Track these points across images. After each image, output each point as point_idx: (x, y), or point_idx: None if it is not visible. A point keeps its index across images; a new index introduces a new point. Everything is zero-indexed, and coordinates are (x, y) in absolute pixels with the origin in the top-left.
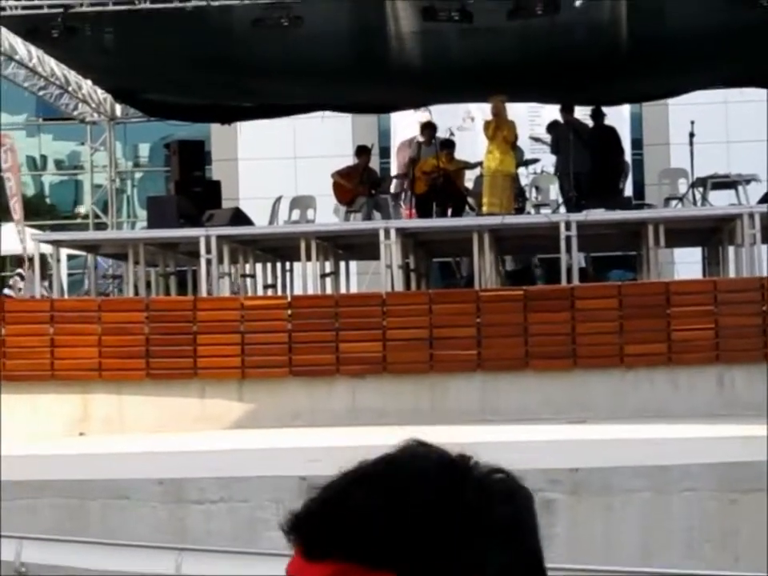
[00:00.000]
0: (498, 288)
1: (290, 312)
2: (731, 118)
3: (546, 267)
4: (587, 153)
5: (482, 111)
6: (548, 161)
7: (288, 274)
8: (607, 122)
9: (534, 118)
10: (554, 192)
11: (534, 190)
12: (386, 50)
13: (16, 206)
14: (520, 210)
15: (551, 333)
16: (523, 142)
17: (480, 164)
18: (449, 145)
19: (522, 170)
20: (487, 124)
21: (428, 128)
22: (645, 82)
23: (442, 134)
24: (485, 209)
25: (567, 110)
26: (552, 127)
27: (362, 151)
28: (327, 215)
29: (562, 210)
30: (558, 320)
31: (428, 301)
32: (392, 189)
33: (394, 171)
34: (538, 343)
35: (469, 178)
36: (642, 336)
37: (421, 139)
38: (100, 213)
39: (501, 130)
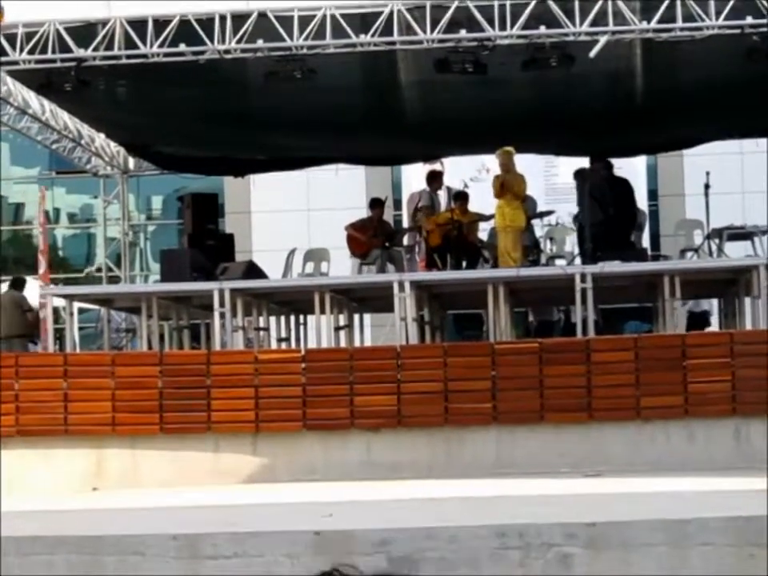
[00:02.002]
0: (513, 341)
1: (303, 365)
2: (747, 169)
3: (565, 319)
4: (598, 204)
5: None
6: (563, 211)
7: (302, 327)
8: (622, 173)
9: (549, 168)
10: (570, 243)
11: (548, 241)
12: (397, 101)
13: (42, 260)
14: (534, 262)
15: (567, 385)
16: (537, 190)
17: (494, 216)
18: (462, 197)
19: (535, 221)
20: (495, 180)
21: (434, 177)
22: (659, 133)
23: (456, 185)
24: (500, 262)
25: (598, 159)
26: (577, 175)
27: (376, 204)
28: (341, 268)
29: (578, 261)
30: (574, 372)
31: (443, 354)
32: (405, 241)
33: (406, 223)
34: (554, 396)
35: (484, 228)
36: (659, 388)
37: (427, 189)
38: (113, 266)
39: (509, 185)
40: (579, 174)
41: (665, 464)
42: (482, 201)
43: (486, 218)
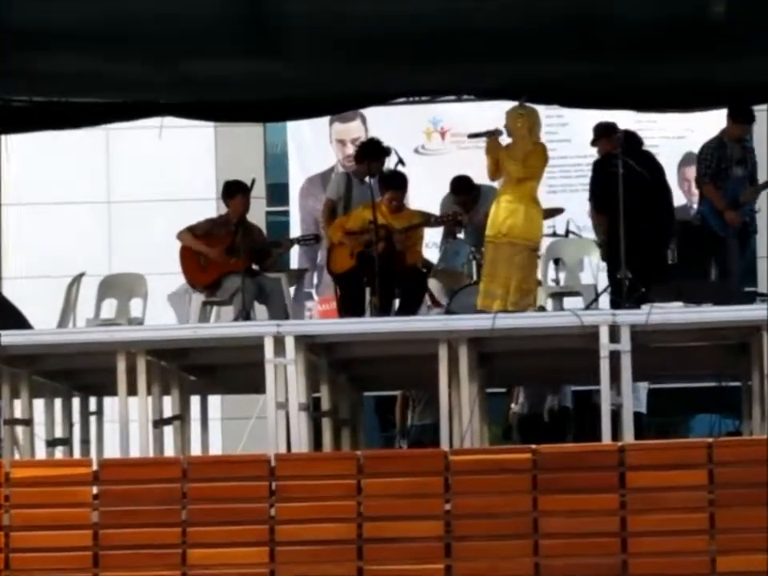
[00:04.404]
0: (483, 449)
1: (96, 490)
2: None
3: (577, 411)
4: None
5: (461, 120)
6: (576, 209)
7: (94, 420)
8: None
9: (553, 131)
10: (590, 269)
11: (552, 265)
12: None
13: None
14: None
15: (583, 532)
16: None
17: (451, 218)
18: (395, 183)
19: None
20: (488, 150)
21: (368, 150)
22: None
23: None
24: (479, 302)
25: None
26: (599, 167)
27: (234, 191)
28: (167, 310)
29: (605, 303)
30: (596, 507)
31: (355, 470)
32: (293, 262)
33: (295, 229)
34: (557, 551)
35: (433, 243)
36: (749, 540)
37: (345, 168)
38: None
39: (515, 161)
40: (602, 166)
41: None
42: (431, 191)
43: (439, 221)
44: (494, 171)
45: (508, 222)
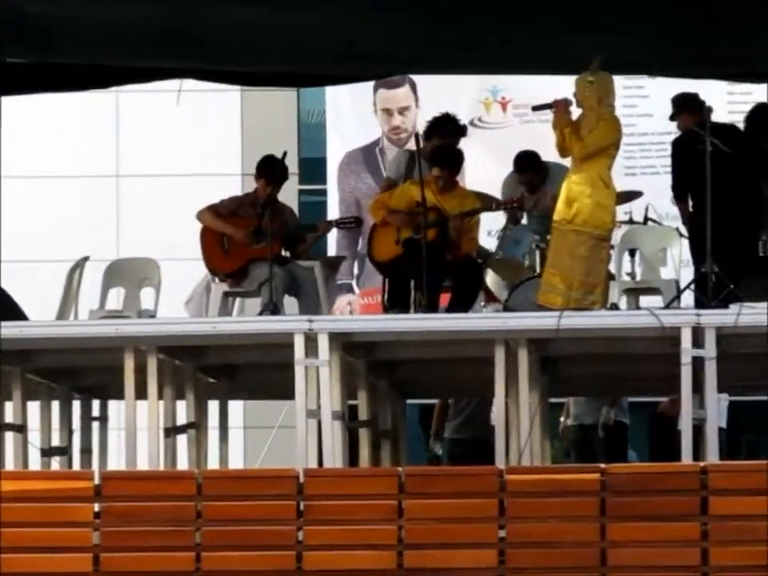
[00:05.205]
0: (545, 468)
1: (98, 508)
2: None
3: (654, 422)
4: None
5: (526, 90)
6: (657, 193)
7: (97, 426)
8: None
9: (630, 103)
10: (671, 262)
11: (627, 257)
12: None
13: None
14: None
15: (661, 565)
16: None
17: (517, 204)
18: (445, 157)
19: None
20: (555, 124)
21: (440, 127)
22: None
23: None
24: (539, 296)
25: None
26: (678, 146)
27: (265, 168)
28: (181, 301)
29: (688, 302)
30: (674, 537)
31: (396, 489)
32: (329, 249)
33: (333, 211)
34: None
35: (489, 229)
36: None
37: (391, 143)
38: None
39: (584, 136)
40: (683, 144)
41: None
42: (491, 168)
43: (497, 205)
44: (564, 147)
45: (573, 206)
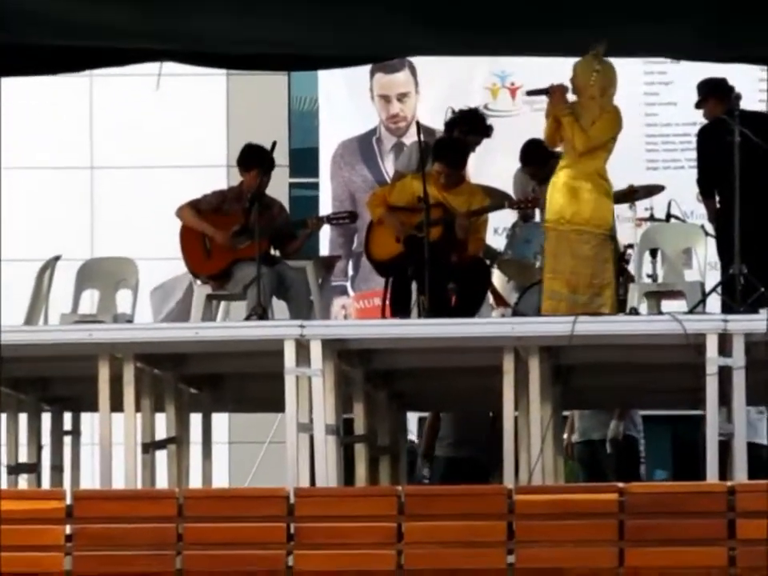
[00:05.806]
0: (555, 487)
1: (69, 530)
2: None
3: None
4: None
5: (536, 75)
6: (681, 189)
7: (69, 441)
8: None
9: (652, 91)
10: (696, 262)
11: (648, 257)
12: None
13: None
14: (622, 304)
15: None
16: (629, 137)
17: (531, 203)
18: (449, 148)
19: (619, 207)
20: (548, 111)
21: (464, 123)
22: None
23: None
24: (543, 305)
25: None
26: (703, 135)
27: (253, 160)
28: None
29: (714, 306)
30: (699, 563)
31: (395, 510)
32: (322, 247)
33: (326, 206)
34: None
35: (497, 227)
36: None
37: (389, 132)
38: None
39: (587, 127)
40: (709, 134)
41: None
42: (499, 160)
43: (503, 202)
44: (554, 135)
45: (572, 204)
